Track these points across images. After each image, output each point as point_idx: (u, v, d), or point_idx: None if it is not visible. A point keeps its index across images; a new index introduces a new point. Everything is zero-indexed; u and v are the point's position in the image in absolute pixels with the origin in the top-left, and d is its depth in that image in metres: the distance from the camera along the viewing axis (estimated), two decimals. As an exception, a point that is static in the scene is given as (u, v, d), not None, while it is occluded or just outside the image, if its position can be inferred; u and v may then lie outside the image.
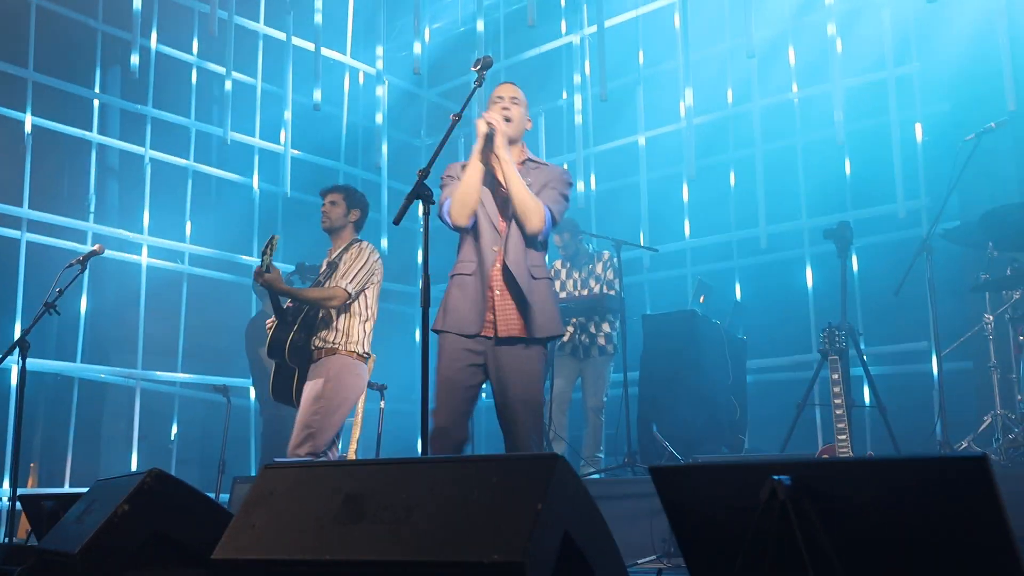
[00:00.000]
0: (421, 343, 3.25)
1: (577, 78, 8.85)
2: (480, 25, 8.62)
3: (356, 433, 5.22)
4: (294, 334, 4.89)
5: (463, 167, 3.85)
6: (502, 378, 3.61)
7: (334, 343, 4.85)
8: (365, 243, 5.04)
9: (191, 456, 8.29)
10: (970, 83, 6.61)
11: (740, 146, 8.11)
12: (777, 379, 7.32)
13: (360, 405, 5.14)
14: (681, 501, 2.13)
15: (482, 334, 3.63)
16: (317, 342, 4.88)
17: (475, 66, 3.83)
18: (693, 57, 8.00)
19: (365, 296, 4.92)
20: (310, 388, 4.79)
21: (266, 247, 4.86)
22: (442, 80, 10.01)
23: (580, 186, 8.51)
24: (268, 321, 5.08)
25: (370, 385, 5.26)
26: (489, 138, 3.73)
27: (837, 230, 5.68)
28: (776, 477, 1.86)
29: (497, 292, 3.67)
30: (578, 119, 8.75)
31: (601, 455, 6.49)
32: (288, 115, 8.92)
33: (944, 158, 6.17)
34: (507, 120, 3.78)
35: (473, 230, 3.76)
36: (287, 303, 5.01)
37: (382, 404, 6.01)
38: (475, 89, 3.82)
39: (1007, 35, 6.27)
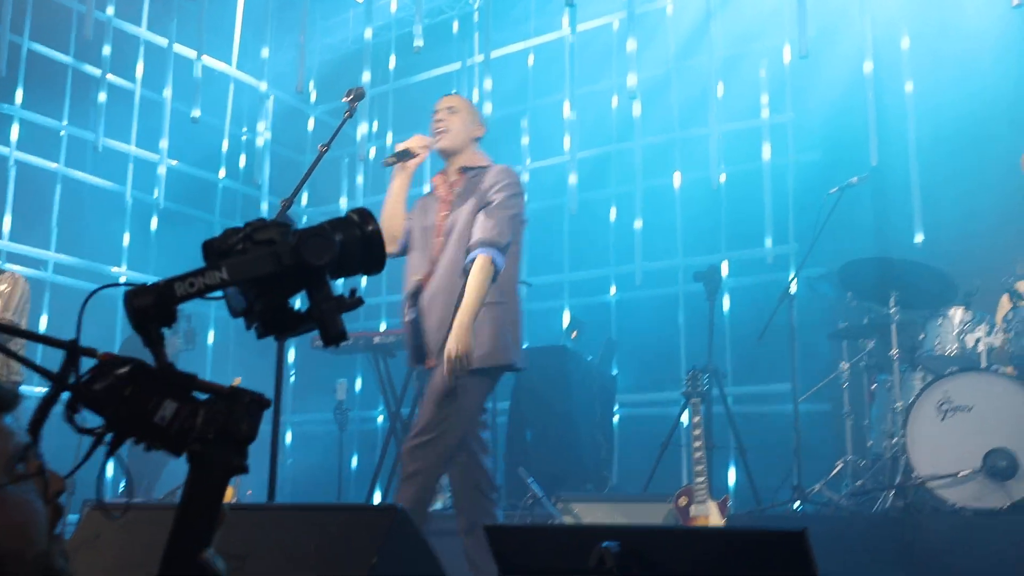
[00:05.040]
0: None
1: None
2: (368, 33, 8.57)
3: None
4: None
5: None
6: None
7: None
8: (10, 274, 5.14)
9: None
10: (839, 135, 6.87)
11: (621, 182, 8.23)
12: (648, 414, 7.42)
13: None
14: (514, 561, 2.11)
15: (421, 364, 3.55)
16: None
17: (346, 97, 3.78)
18: (580, 91, 8.10)
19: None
20: None
21: None
22: (330, 97, 9.87)
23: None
24: None
25: None
26: (405, 156, 3.73)
27: (707, 273, 5.82)
28: (605, 544, 1.86)
29: (427, 318, 3.56)
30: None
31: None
32: (167, 123, 8.67)
33: (813, 206, 6.38)
34: (443, 132, 3.77)
35: (407, 254, 3.74)
36: None
37: None
38: (345, 120, 3.77)
39: (873, 94, 6.53)
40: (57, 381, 1.20)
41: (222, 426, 1.17)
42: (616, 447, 6.75)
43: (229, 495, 5.05)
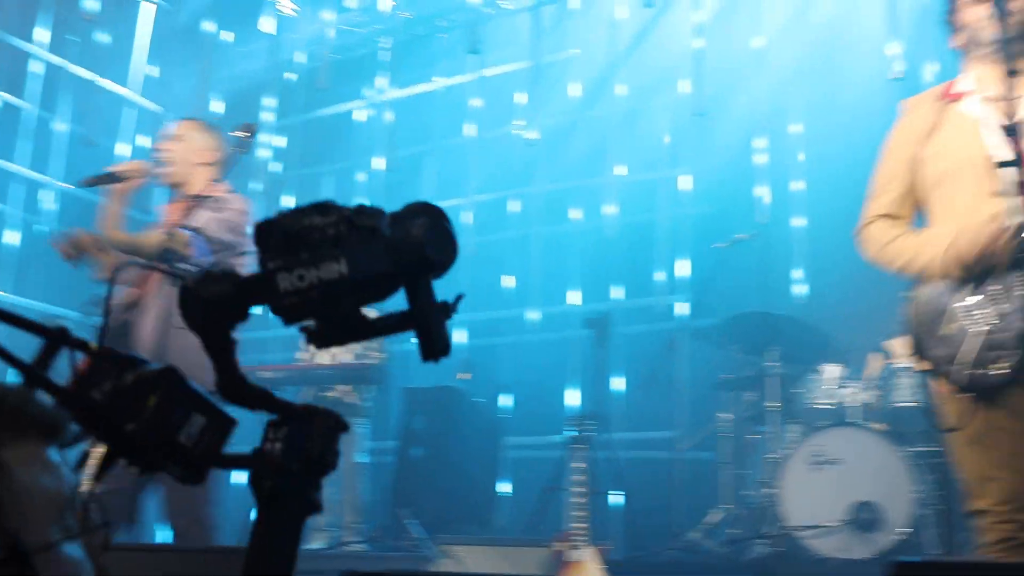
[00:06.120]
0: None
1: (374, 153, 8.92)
2: (276, 64, 8.51)
3: None
4: None
5: None
6: None
7: None
8: None
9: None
10: (732, 191, 7.08)
11: (519, 226, 8.31)
12: (538, 457, 7.43)
13: None
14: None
15: None
16: None
17: (239, 131, 3.77)
18: (483, 135, 8.19)
19: None
20: None
21: None
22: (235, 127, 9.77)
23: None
24: None
25: None
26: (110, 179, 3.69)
27: (597, 320, 5.93)
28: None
29: (137, 342, 3.50)
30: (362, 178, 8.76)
31: (363, 524, 6.29)
32: (59, 145, 8.44)
33: (705, 258, 6.58)
34: (165, 162, 3.80)
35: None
36: None
37: None
38: (236, 153, 3.76)
39: (767, 153, 6.78)
40: (41, 382, 0.95)
41: (306, 456, 0.97)
42: (505, 490, 6.76)
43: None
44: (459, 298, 1.02)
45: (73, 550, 0.94)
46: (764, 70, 6.94)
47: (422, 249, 0.94)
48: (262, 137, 8.97)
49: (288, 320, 0.96)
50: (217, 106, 9.45)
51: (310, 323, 0.99)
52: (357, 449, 6.31)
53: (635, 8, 7.72)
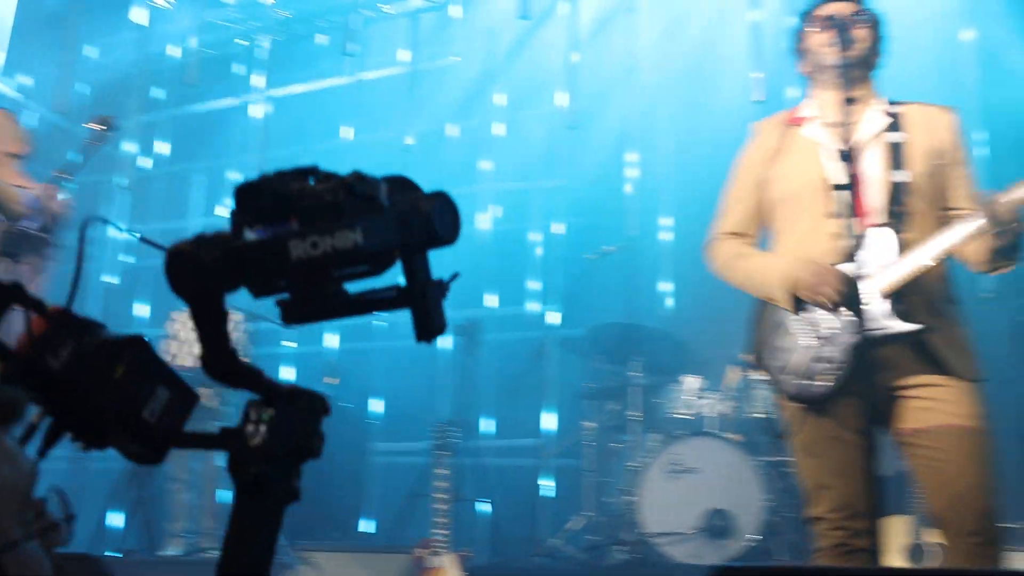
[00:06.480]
0: None
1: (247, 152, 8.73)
2: (146, 57, 8.26)
3: None
4: None
5: None
6: None
7: None
8: None
9: None
10: (604, 203, 7.21)
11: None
12: (408, 463, 7.40)
13: None
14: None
15: None
16: None
17: (95, 123, 3.66)
18: (359, 139, 8.12)
19: None
20: None
21: None
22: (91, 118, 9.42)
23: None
24: None
25: None
26: None
27: (466, 327, 5.96)
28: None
29: None
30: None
31: (221, 530, 6.16)
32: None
33: (576, 269, 6.68)
34: None
35: None
36: None
37: None
38: (93, 146, 3.65)
39: (637, 167, 6.94)
40: None
41: (292, 442, 0.90)
42: (372, 495, 6.71)
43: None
44: (454, 276, 0.98)
45: (36, 547, 0.88)
46: (637, 86, 7.10)
47: (432, 222, 0.91)
48: (131, 131, 8.69)
49: (261, 293, 0.88)
50: (83, 97, 9.11)
51: (284, 296, 0.90)
52: (217, 453, 6.13)
53: (515, 20, 7.79)
